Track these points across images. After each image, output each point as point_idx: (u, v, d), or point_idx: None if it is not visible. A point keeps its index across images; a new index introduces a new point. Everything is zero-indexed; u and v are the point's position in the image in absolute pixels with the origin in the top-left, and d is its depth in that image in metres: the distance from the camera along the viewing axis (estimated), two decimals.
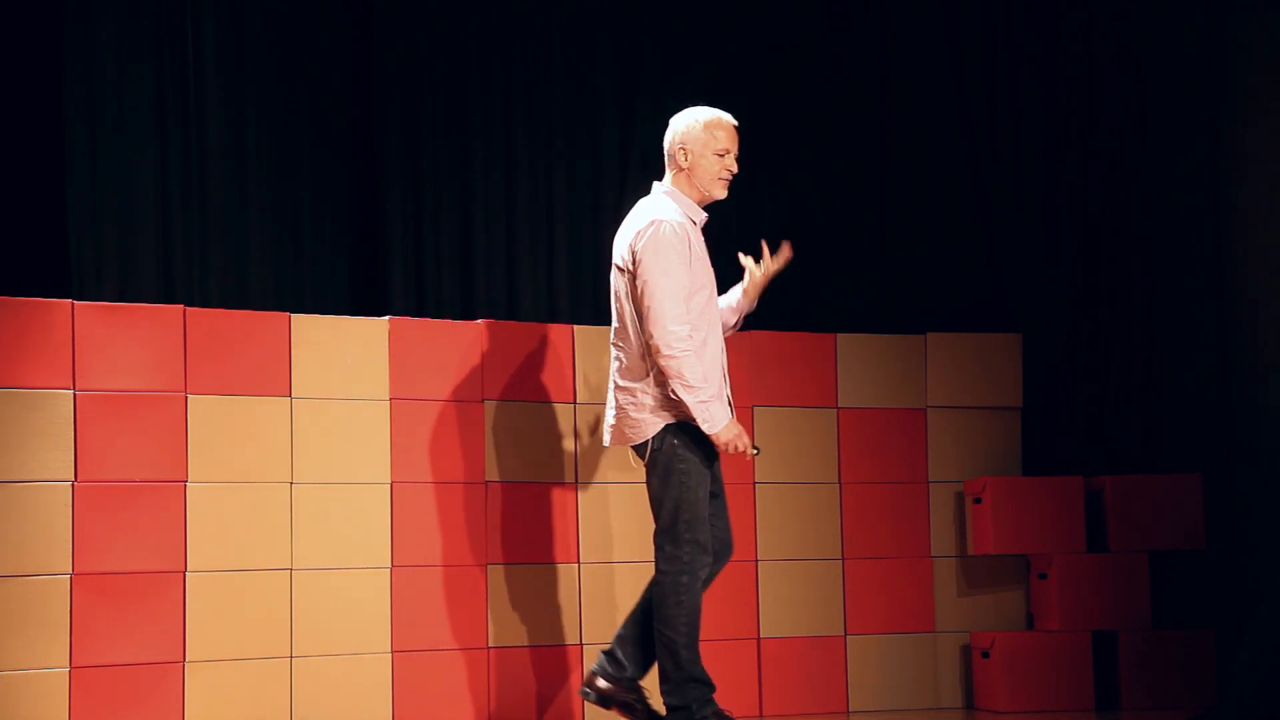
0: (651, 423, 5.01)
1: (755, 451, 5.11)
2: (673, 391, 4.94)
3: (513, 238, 6.54)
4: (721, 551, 5.16)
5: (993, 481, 6.26)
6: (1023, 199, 6.96)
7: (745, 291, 5.34)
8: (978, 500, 6.29)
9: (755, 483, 6.20)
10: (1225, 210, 6.28)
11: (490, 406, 5.88)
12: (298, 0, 6.37)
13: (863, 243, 6.93)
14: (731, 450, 5.00)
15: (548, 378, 5.93)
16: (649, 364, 5.01)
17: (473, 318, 6.25)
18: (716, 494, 5.15)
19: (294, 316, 5.73)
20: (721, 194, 5.16)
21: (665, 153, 5.18)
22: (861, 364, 6.38)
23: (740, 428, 5.00)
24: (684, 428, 4.99)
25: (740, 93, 6.87)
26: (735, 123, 5.17)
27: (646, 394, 5.02)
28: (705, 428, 4.94)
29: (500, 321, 6.00)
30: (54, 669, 5.23)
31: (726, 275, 6.08)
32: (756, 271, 5.30)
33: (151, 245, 6.03)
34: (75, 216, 5.91)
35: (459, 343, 5.88)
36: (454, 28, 6.53)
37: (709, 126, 5.12)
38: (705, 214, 5.19)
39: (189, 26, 6.13)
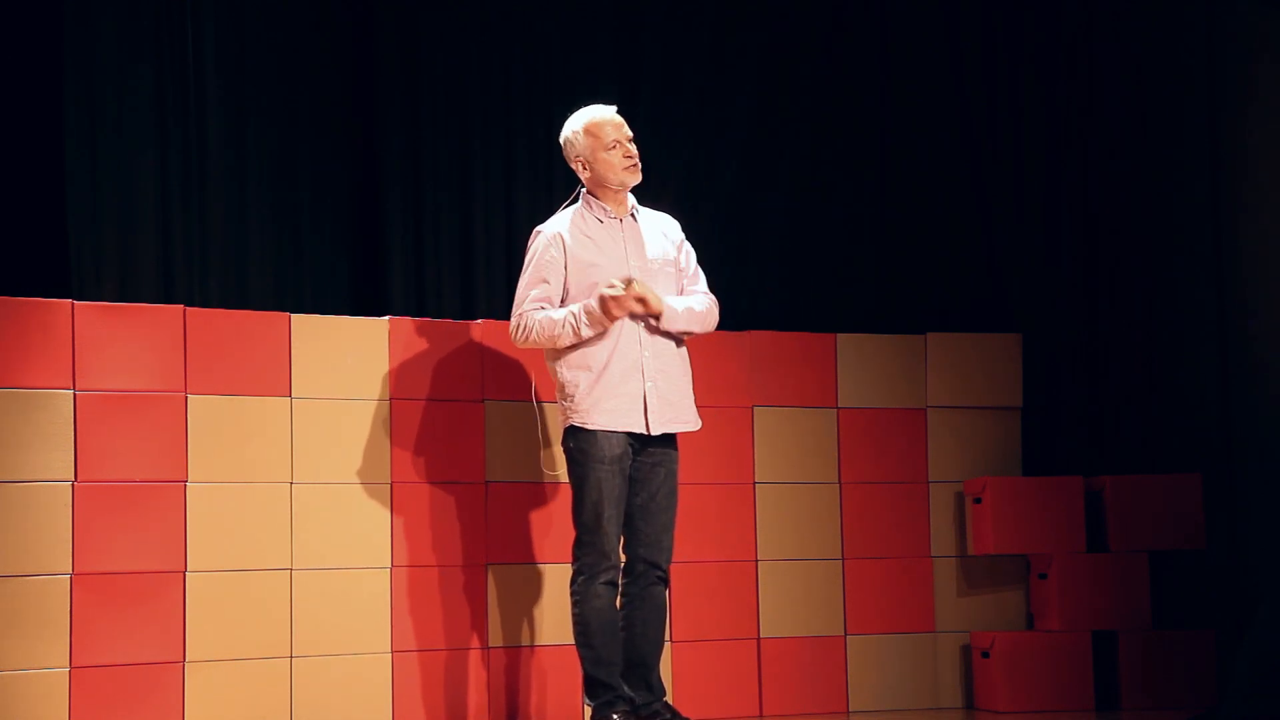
0: (561, 425, 5.21)
1: (633, 284, 5.07)
2: (558, 398, 5.18)
3: (512, 238, 6.53)
4: (642, 561, 5.18)
5: (993, 481, 6.26)
6: (1023, 199, 6.95)
7: None
8: (978, 500, 6.29)
9: (755, 483, 6.20)
10: (1225, 210, 6.28)
11: (490, 406, 5.88)
12: (298, 0, 6.37)
13: (863, 243, 6.93)
14: (619, 308, 5.03)
15: (547, 377, 5.93)
16: (550, 370, 5.25)
17: (473, 318, 6.25)
18: (648, 503, 5.17)
19: (294, 316, 5.73)
20: (635, 180, 5.27)
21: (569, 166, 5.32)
22: (861, 364, 6.38)
23: (606, 296, 5.02)
24: (580, 432, 5.12)
25: (740, 93, 6.88)
26: (613, 110, 5.29)
27: (556, 398, 5.24)
28: (594, 329, 5.07)
29: (499, 321, 5.99)
30: (54, 669, 5.23)
31: (724, 273, 6.10)
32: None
33: (151, 245, 6.03)
34: (75, 216, 5.91)
35: (459, 343, 5.88)
36: (454, 28, 6.53)
37: (589, 130, 5.25)
38: (629, 199, 5.29)
39: (189, 26, 6.13)
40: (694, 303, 5.28)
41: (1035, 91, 6.97)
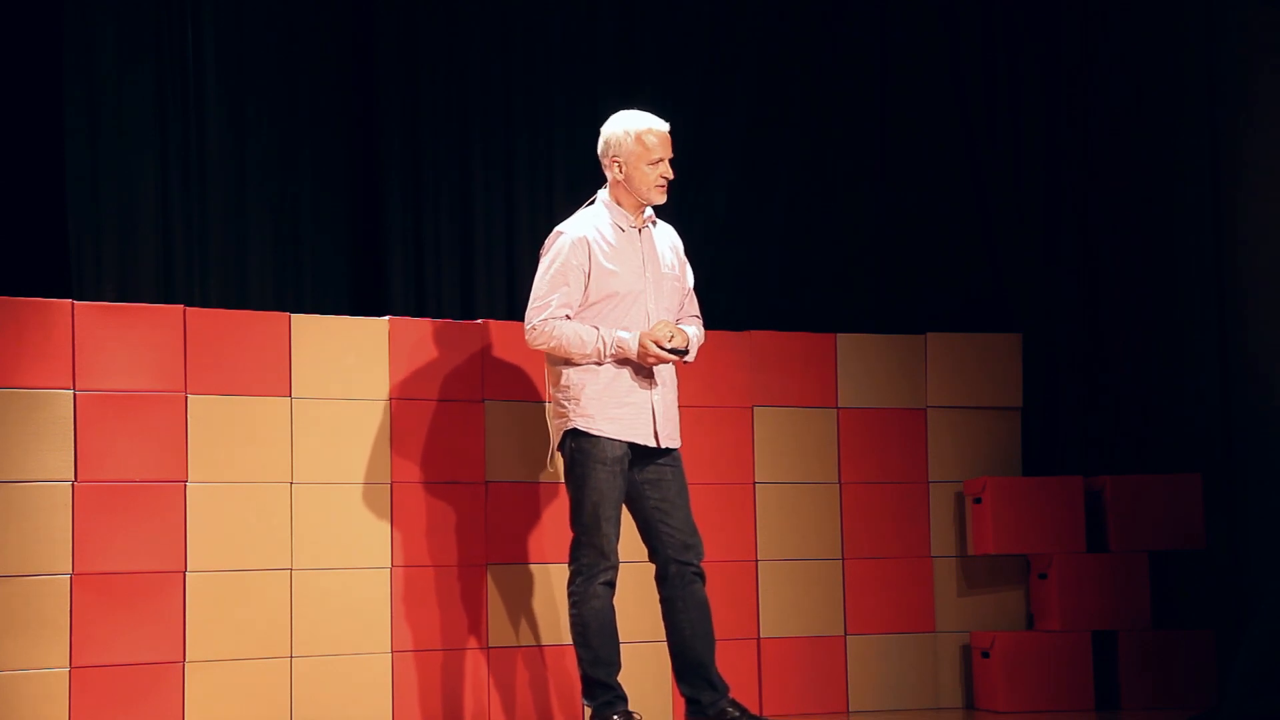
0: (558, 427, 5.18)
1: (682, 351, 5.09)
2: (561, 399, 5.13)
3: (513, 238, 6.54)
4: (674, 563, 5.15)
5: (993, 481, 6.26)
6: (1023, 199, 6.96)
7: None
8: (978, 500, 6.29)
9: (755, 483, 6.20)
10: (1225, 211, 6.27)
11: (490, 406, 5.88)
12: (298, 1, 6.37)
13: (863, 243, 6.93)
14: (654, 358, 5.06)
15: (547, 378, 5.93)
16: (552, 372, 5.21)
17: (473, 318, 6.25)
18: (663, 504, 5.14)
19: (294, 316, 5.73)
20: (660, 200, 5.22)
21: (599, 157, 5.24)
22: (861, 364, 6.38)
23: (650, 340, 5.05)
24: (582, 434, 5.10)
25: (740, 93, 6.88)
26: (666, 127, 5.21)
27: (555, 400, 5.20)
28: (621, 356, 5.05)
29: (499, 321, 6.00)
30: (54, 669, 5.23)
31: (724, 274, 6.10)
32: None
33: (151, 245, 6.03)
34: (75, 216, 5.92)
35: (459, 343, 5.88)
36: (454, 29, 6.53)
37: (640, 137, 5.17)
38: (650, 212, 5.26)
39: (189, 26, 6.14)
40: (699, 333, 5.32)
41: (1035, 91, 6.98)
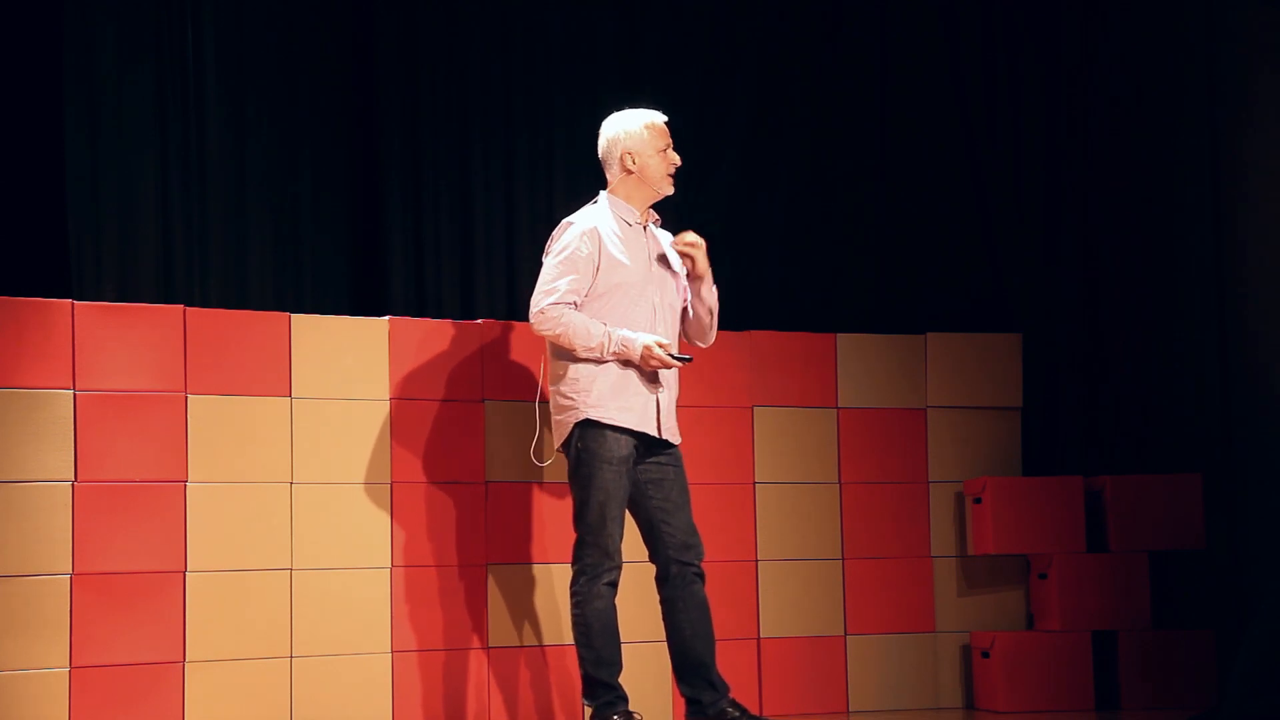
0: (564, 423, 5.17)
1: (685, 359, 5.13)
2: (568, 393, 5.12)
3: (513, 238, 6.54)
4: (675, 563, 5.16)
5: (993, 481, 6.26)
6: (1023, 199, 6.96)
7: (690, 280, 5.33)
8: (978, 500, 6.29)
9: (755, 483, 6.20)
10: (1225, 211, 6.28)
11: (490, 406, 5.88)
12: (298, 1, 6.37)
13: (863, 243, 6.94)
14: (657, 361, 5.07)
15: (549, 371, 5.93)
16: (556, 365, 5.19)
17: (473, 318, 6.26)
18: (665, 504, 5.16)
19: (294, 316, 5.73)
20: (671, 189, 5.27)
21: (603, 161, 5.27)
22: (861, 364, 6.38)
23: (654, 343, 5.07)
24: (590, 427, 5.09)
25: (740, 93, 6.88)
26: (665, 117, 5.29)
27: (559, 395, 5.19)
28: (623, 356, 5.07)
29: (500, 321, 6.00)
30: (54, 669, 5.23)
31: (724, 274, 6.08)
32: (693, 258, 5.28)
33: (151, 245, 6.03)
34: (75, 216, 5.91)
35: (459, 343, 5.88)
36: (454, 29, 6.53)
37: (649, 128, 5.22)
38: (652, 212, 5.29)
39: (189, 26, 6.13)
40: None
41: (1035, 91, 6.98)
